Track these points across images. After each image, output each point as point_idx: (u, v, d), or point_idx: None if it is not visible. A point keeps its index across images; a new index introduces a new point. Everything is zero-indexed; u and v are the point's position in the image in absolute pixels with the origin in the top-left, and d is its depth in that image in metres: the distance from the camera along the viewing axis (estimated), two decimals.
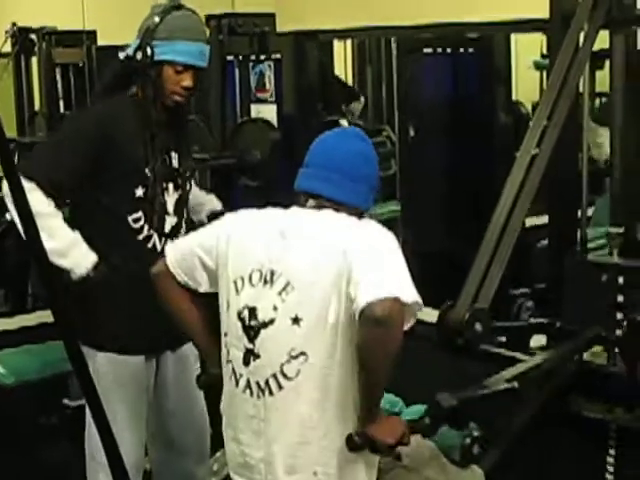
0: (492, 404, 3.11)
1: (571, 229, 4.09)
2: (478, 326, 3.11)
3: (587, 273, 3.85)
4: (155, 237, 3.57)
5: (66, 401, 4.51)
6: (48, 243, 2.45)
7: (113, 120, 3.54)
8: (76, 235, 3.49)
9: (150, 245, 3.57)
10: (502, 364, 3.38)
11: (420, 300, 2.59)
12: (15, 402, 4.38)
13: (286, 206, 2.90)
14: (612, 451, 3.91)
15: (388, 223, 5.27)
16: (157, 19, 3.49)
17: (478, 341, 3.14)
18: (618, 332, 3.72)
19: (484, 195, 4.95)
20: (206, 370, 3.14)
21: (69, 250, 3.42)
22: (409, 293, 2.55)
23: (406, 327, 2.61)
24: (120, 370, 3.59)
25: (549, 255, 4.23)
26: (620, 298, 3.71)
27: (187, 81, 3.56)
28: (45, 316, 4.54)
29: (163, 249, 3.50)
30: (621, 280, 3.72)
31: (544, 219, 4.26)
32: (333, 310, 2.67)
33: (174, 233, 3.64)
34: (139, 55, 3.50)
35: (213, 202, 4.02)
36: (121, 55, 3.59)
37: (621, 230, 3.88)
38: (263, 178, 4.93)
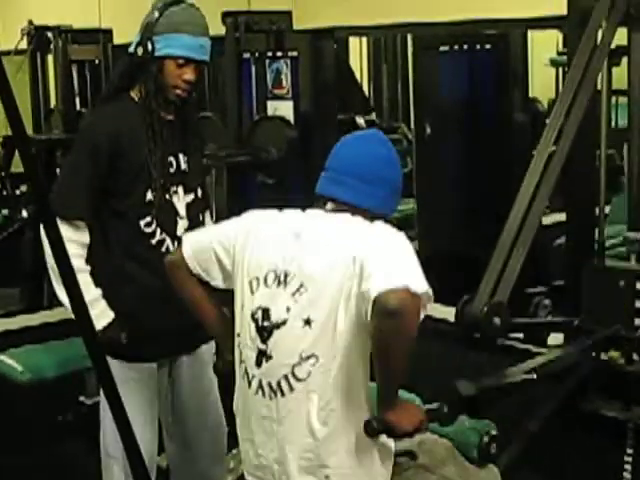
0: (510, 396, 3.11)
1: (588, 227, 4.08)
2: (497, 320, 3.09)
3: (605, 279, 3.84)
4: (168, 241, 3.56)
5: (82, 398, 4.52)
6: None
7: (116, 127, 3.52)
8: (95, 294, 3.50)
9: (163, 249, 3.54)
10: (519, 358, 3.38)
11: (430, 291, 2.56)
12: (31, 399, 4.39)
13: (304, 207, 2.90)
14: (630, 450, 3.91)
15: (404, 221, 5.28)
16: (157, 14, 3.47)
17: (496, 335, 3.13)
18: (637, 333, 3.72)
19: (500, 193, 4.94)
20: (221, 356, 3.15)
21: None
22: (420, 284, 2.52)
23: (421, 317, 2.58)
24: (132, 375, 3.60)
25: (566, 254, 4.22)
26: (638, 304, 3.71)
27: (188, 74, 3.54)
28: (62, 313, 4.56)
29: None
30: (639, 286, 3.72)
31: (561, 217, 4.25)
32: (342, 312, 2.67)
33: None
34: (140, 50, 3.49)
35: None
36: (130, 49, 3.57)
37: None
38: (279, 176, 4.92)
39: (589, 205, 4.09)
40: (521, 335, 3.89)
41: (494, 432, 3.04)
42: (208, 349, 3.69)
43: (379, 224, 2.79)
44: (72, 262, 1.77)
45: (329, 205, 2.87)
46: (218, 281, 3.00)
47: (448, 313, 3.31)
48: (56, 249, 1.60)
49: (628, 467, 3.93)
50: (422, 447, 2.94)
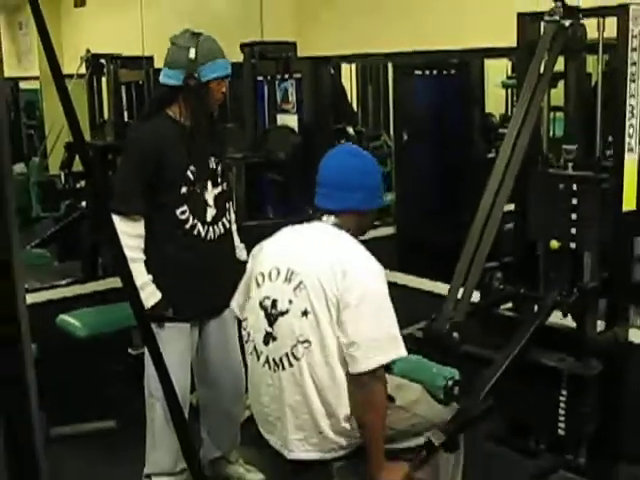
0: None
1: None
2: (456, 335, 3.14)
3: (547, 183, 3.78)
4: (199, 225, 3.55)
5: (130, 350, 4.51)
6: None
7: (158, 139, 3.51)
8: (146, 279, 3.49)
9: (195, 232, 3.55)
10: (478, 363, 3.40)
11: (403, 352, 2.69)
12: (88, 351, 4.38)
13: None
14: (564, 392, 3.90)
15: (386, 210, 5.26)
16: (193, 50, 3.46)
17: (457, 346, 3.18)
18: (571, 299, 3.71)
19: (462, 187, 4.93)
20: None
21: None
22: (394, 353, 2.67)
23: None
24: (170, 332, 3.59)
25: (515, 236, 4.21)
26: (574, 201, 3.64)
27: (224, 88, 3.60)
28: (114, 282, 4.55)
29: (206, 235, 3.56)
30: (574, 187, 3.67)
31: (510, 207, 4.24)
32: (327, 313, 2.70)
33: (215, 221, 3.62)
34: (192, 82, 3.47)
35: (242, 252, 3.89)
36: (166, 81, 3.54)
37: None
38: (286, 174, 4.92)
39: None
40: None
41: (457, 377, 3.02)
42: (230, 311, 3.67)
43: (363, 252, 2.80)
44: (128, 253, 1.75)
45: (325, 216, 2.92)
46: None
47: (420, 283, 3.31)
48: (111, 241, 1.58)
49: (562, 405, 3.93)
50: (399, 391, 2.94)
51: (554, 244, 3.69)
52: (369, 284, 2.72)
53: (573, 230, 3.63)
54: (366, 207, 2.93)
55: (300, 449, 2.81)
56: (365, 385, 2.64)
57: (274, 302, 2.79)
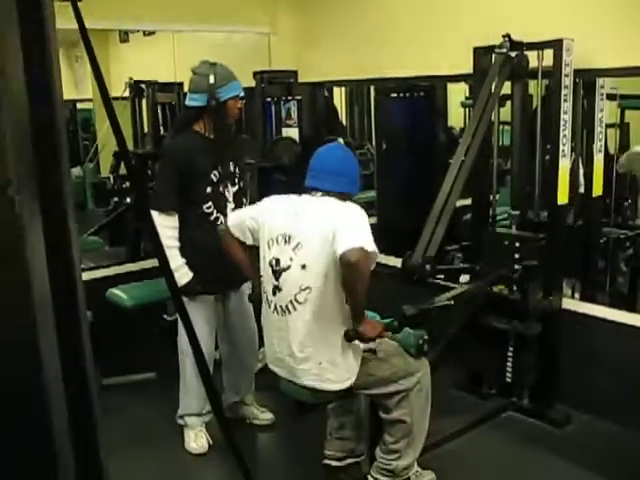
0: (437, 315, 3.12)
1: (485, 207, 4.08)
2: (428, 267, 3.12)
3: (496, 239, 3.85)
4: (221, 218, 3.53)
5: (165, 316, 4.51)
6: None
7: (188, 150, 3.49)
8: (180, 262, 3.48)
9: (219, 222, 3.53)
10: (442, 291, 3.38)
11: (377, 250, 2.62)
12: (133, 318, 4.38)
13: (300, 193, 2.93)
14: (511, 348, 3.92)
15: (369, 204, 5.26)
16: (212, 76, 3.44)
17: (428, 277, 3.16)
18: (515, 275, 3.73)
19: (430, 186, 4.91)
20: (254, 290, 3.15)
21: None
22: (370, 245, 2.59)
23: (371, 267, 2.66)
24: (198, 303, 3.58)
25: (471, 225, 4.22)
26: (517, 255, 3.72)
27: (239, 104, 3.58)
28: (152, 262, 4.55)
29: None
30: (517, 244, 3.73)
31: (467, 201, 4.24)
32: (325, 259, 2.69)
33: None
34: (212, 102, 3.45)
35: None
36: (192, 103, 3.52)
37: (518, 212, 3.89)
38: (290, 175, 4.91)
39: (486, 193, 4.09)
40: (443, 276, 3.90)
41: (426, 337, 3.03)
42: (246, 286, 3.68)
43: (348, 204, 2.79)
44: (166, 241, 1.74)
45: (314, 192, 2.90)
46: (250, 240, 3.02)
47: (397, 262, 3.30)
48: (150, 231, 1.59)
49: (510, 359, 3.96)
50: (379, 346, 2.95)
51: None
52: (354, 215, 2.70)
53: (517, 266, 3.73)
54: (346, 190, 2.91)
55: (306, 378, 2.81)
56: (353, 261, 2.53)
57: (277, 261, 2.81)
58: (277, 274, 2.82)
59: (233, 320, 3.84)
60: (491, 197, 4.07)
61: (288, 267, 2.78)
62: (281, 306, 2.81)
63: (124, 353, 4.26)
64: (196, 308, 3.54)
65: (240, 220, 3.05)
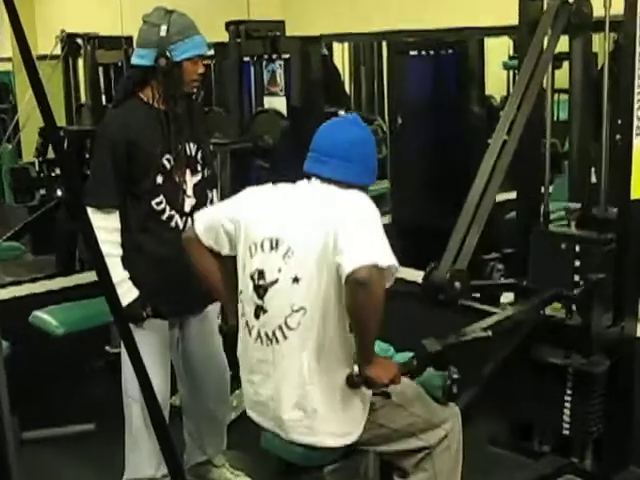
0: (469, 350, 3.12)
1: (535, 203, 4.08)
2: (457, 284, 3.11)
3: (550, 242, 3.84)
4: (176, 217, 3.54)
5: (107, 348, 4.52)
6: None
7: (130, 126, 3.48)
8: (122, 276, 3.48)
9: (173, 224, 3.53)
10: (477, 316, 3.38)
11: (396, 263, 2.57)
12: (65, 349, 4.38)
13: (294, 181, 2.91)
14: (569, 391, 3.91)
15: (380, 197, 5.27)
16: (165, 26, 3.44)
17: (457, 297, 3.14)
18: (576, 291, 3.72)
19: (460, 174, 4.93)
20: (226, 321, 3.14)
21: None
22: (386, 258, 2.54)
23: (387, 285, 2.60)
24: (147, 330, 3.58)
25: (517, 225, 4.22)
26: (577, 263, 3.71)
27: (201, 68, 3.57)
28: (90, 276, 4.54)
29: (184, 227, 3.52)
30: (578, 248, 3.72)
31: (511, 195, 4.25)
32: (325, 271, 2.67)
33: (194, 212, 3.61)
34: (162, 62, 3.44)
35: None
36: (138, 62, 3.51)
37: (578, 206, 3.88)
38: (274, 160, 4.91)
39: (536, 185, 4.09)
40: (478, 295, 3.90)
41: (456, 376, 3.03)
42: (213, 308, 3.69)
43: (353, 193, 2.78)
44: (104, 248, 1.74)
45: (314, 181, 2.87)
46: (226, 249, 2.98)
47: (417, 276, 3.30)
48: (86, 235, 1.58)
49: (568, 405, 3.94)
50: (394, 389, 2.94)
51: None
52: (363, 212, 2.68)
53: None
54: (356, 181, 2.86)
55: (296, 431, 2.79)
56: (362, 285, 2.49)
57: (261, 273, 2.79)
58: (261, 290, 2.80)
59: (196, 354, 3.84)
60: (543, 189, 4.06)
61: (276, 281, 2.77)
62: (266, 333, 2.80)
63: (52, 397, 4.25)
64: (144, 337, 3.52)
65: (213, 222, 2.99)
